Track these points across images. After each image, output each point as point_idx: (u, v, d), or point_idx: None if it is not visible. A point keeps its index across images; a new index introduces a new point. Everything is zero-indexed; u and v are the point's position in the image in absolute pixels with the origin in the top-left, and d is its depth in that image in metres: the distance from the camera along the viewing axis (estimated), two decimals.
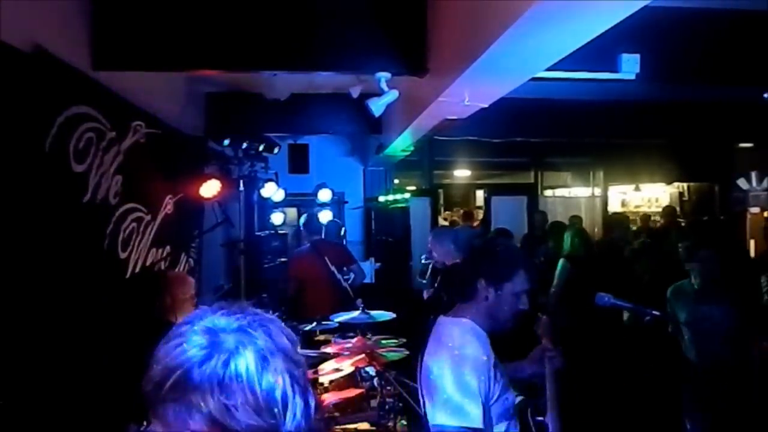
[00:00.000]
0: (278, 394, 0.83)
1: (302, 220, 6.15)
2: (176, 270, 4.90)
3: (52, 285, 2.81)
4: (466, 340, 1.98)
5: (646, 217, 9.79)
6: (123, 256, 3.80)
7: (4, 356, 2.44)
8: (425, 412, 1.98)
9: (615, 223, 5.97)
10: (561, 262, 5.44)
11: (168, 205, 4.51)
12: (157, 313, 3.57)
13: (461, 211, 9.83)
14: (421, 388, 2.03)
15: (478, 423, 1.87)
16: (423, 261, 5.18)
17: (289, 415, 0.83)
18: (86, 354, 3.03)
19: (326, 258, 5.54)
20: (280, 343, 0.87)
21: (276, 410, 0.82)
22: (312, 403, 0.87)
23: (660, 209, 9.19)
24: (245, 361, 0.82)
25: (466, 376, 1.89)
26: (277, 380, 0.83)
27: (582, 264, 5.19)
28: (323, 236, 5.94)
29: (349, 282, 5.65)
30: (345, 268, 5.66)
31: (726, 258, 3.85)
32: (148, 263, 4.19)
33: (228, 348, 0.82)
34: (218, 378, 0.80)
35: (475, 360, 1.93)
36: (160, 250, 4.42)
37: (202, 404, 0.79)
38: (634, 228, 8.31)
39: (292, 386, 0.85)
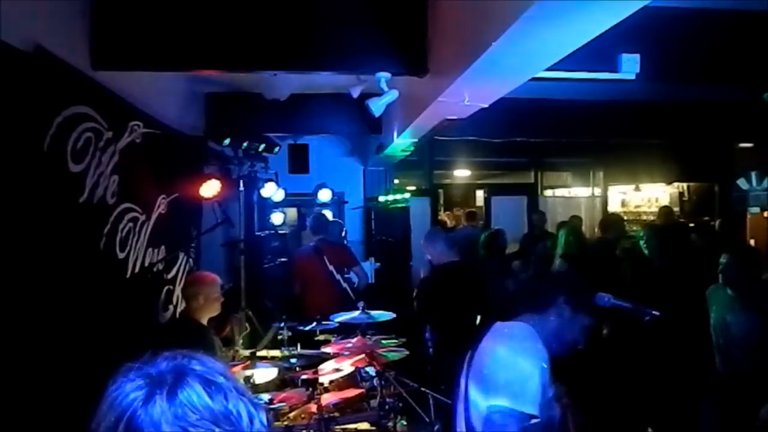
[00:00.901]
0: (231, 405, 0.85)
1: (309, 219, 6.14)
2: (175, 270, 4.90)
3: (50, 285, 2.81)
4: (532, 339, 2.00)
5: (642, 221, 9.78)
6: (121, 256, 3.80)
7: (3, 357, 2.44)
8: (468, 404, 1.97)
9: (609, 223, 5.96)
10: (559, 261, 5.45)
11: (161, 206, 4.50)
12: (187, 313, 3.61)
13: (465, 211, 9.83)
14: (467, 384, 2.02)
15: (536, 411, 1.85)
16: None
17: (245, 421, 0.85)
18: (85, 354, 3.02)
19: (326, 258, 5.53)
20: (215, 365, 0.90)
21: (232, 418, 0.84)
22: (264, 416, 0.89)
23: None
24: (189, 388, 0.83)
25: (529, 368, 1.90)
26: (226, 394, 0.85)
27: (579, 263, 5.19)
28: (327, 236, 5.92)
29: (354, 286, 5.64)
30: (347, 270, 5.65)
31: (752, 264, 3.74)
32: (146, 264, 4.20)
33: (168, 381, 0.84)
34: (167, 410, 0.81)
35: (537, 357, 1.94)
36: (156, 251, 4.41)
37: None
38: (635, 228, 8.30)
39: (241, 397, 0.87)
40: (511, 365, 1.91)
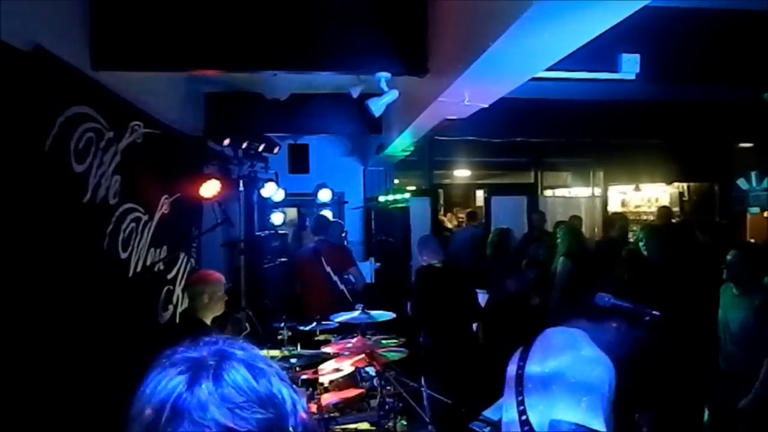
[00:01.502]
0: (275, 389, 0.85)
1: (310, 220, 6.14)
2: (175, 270, 4.91)
3: (53, 285, 2.81)
4: (594, 347, 1.94)
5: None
6: (124, 256, 3.80)
7: (7, 357, 2.44)
8: (523, 409, 1.91)
9: (614, 223, 5.97)
10: (561, 260, 5.44)
11: (164, 206, 4.51)
12: (190, 312, 3.61)
13: (466, 211, 9.84)
14: (527, 397, 1.95)
15: (604, 427, 1.78)
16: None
17: (289, 405, 0.85)
18: (88, 353, 3.03)
19: (323, 260, 5.54)
20: (256, 351, 0.89)
21: (277, 401, 0.84)
22: (303, 401, 0.89)
23: None
24: (234, 370, 0.83)
25: (600, 377, 1.84)
26: (269, 378, 0.85)
27: (583, 261, 5.19)
28: (327, 237, 5.93)
29: (352, 287, 5.64)
30: (345, 272, 5.65)
31: (756, 262, 3.72)
32: (148, 263, 4.20)
33: (212, 365, 0.83)
34: (214, 392, 0.80)
35: (608, 366, 1.88)
36: (159, 251, 4.42)
37: (206, 420, 0.79)
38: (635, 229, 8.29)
39: (283, 381, 0.87)
40: (585, 374, 1.83)
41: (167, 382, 0.82)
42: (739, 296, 3.71)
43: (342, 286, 5.60)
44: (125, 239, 3.79)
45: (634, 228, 7.97)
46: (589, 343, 1.95)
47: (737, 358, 3.69)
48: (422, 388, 3.43)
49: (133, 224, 3.91)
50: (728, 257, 3.71)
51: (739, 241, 4.46)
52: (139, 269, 4.02)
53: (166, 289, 4.69)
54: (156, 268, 4.40)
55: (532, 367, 1.98)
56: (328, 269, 5.54)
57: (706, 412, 3.94)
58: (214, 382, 0.81)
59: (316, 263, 5.55)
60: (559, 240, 5.69)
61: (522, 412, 1.91)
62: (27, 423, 2.51)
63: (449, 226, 10.80)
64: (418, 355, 4.37)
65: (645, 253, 4.76)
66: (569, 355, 1.91)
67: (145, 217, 4.11)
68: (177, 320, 4.55)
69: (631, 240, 6.30)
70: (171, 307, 4.76)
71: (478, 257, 6.32)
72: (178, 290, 4.84)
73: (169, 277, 4.77)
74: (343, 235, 6.89)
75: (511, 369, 2.05)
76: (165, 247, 4.53)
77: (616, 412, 1.90)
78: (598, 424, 1.76)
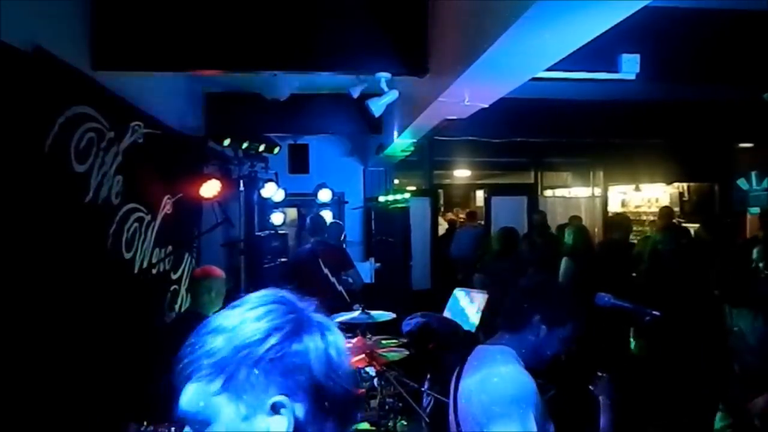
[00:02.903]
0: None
1: (307, 220, 6.14)
2: (181, 270, 4.91)
3: (57, 286, 2.82)
4: (516, 366, 1.93)
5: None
6: (128, 256, 3.81)
7: (11, 357, 2.44)
8: None
9: (616, 223, 5.95)
10: (564, 260, 5.43)
11: (167, 206, 4.52)
12: (195, 309, 3.61)
13: (466, 211, 9.83)
14: (457, 413, 1.97)
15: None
16: None
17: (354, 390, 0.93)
18: (93, 353, 3.03)
19: (320, 261, 5.54)
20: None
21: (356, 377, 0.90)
22: None
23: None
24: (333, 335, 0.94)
25: (522, 399, 1.82)
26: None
27: (585, 262, 5.18)
28: (325, 238, 5.93)
29: (350, 287, 5.64)
30: (342, 273, 5.65)
31: None
32: (153, 263, 4.21)
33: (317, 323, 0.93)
34: (320, 350, 0.88)
35: (529, 385, 1.87)
36: (163, 250, 4.43)
37: (305, 372, 0.84)
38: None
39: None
40: (510, 398, 1.81)
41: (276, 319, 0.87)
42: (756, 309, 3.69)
43: (340, 287, 5.60)
44: (129, 239, 3.80)
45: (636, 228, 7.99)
46: (510, 362, 1.92)
47: (755, 369, 3.66)
48: (422, 389, 3.42)
49: (136, 224, 3.91)
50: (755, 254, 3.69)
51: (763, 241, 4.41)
52: (144, 269, 4.03)
53: (171, 289, 4.70)
54: (161, 268, 4.40)
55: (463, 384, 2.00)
56: (326, 270, 5.54)
57: (719, 414, 3.93)
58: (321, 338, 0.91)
59: (313, 264, 5.55)
60: (566, 240, 5.69)
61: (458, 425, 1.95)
62: (32, 423, 2.51)
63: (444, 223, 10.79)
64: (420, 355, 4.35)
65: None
66: (481, 375, 1.92)
67: (148, 218, 4.11)
68: (180, 317, 4.55)
69: (633, 241, 6.31)
70: (176, 307, 4.76)
71: (481, 255, 6.29)
72: (183, 290, 4.84)
73: (175, 277, 4.78)
74: (342, 237, 6.89)
75: (450, 388, 2.06)
76: (169, 247, 4.54)
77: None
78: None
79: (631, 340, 4.70)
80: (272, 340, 0.83)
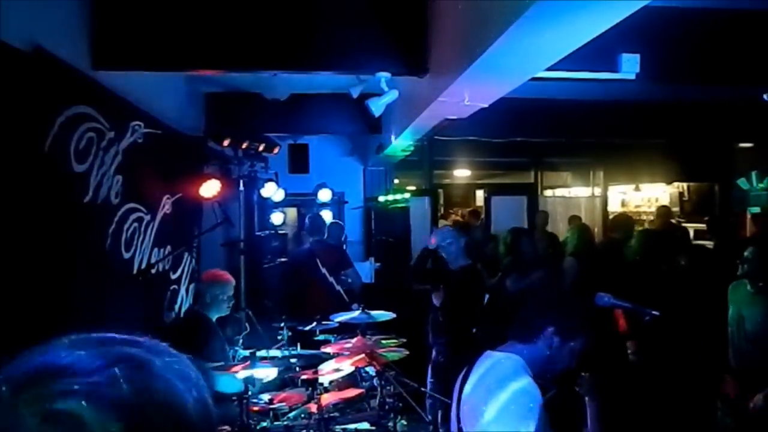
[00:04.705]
0: None
1: (307, 219, 6.14)
2: (180, 270, 4.91)
3: (58, 285, 2.82)
4: (522, 374, 1.92)
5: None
6: (127, 256, 3.80)
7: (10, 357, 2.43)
8: None
9: (618, 223, 5.94)
10: (568, 260, 5.42)
11: (166, 205, 4.52)
12: (199, 310, 3.63)
13: (468, 210, 9.80)
14: (462, 420, 1.97)
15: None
16: None
17: None
18: None
19: (319, 261, 5.54)
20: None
21: None
22: None
23: None
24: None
25: (526, 411, 1.82)
26: None
27: (588, 261, 5.17)
28: (325, 238, 5.92)
29: (349, 286, 5.64)
30: (341, 273, 5.65)
31: None
32: (152, 263, 4.21)
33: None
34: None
35: (534, 395, 1.86)
36: (162, 251, 4.43)
37: None
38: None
39: None
40: (513, 411, 1.82)
41: None
42: (755, 294, 3.69)
43: (338, 287, 5.60)
44: (128, 239, 3.80)
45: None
46: (518, 371, 1.92)
47: (751, 356, 3.68)
48: (423, 389, 3.42)
49: (135, 224, 3.91)
50: (746, 254, 3.69)
51: (756, 239, 4.43)
52: (143, 269, 4.03)
53: (171, 288, 4.70)
54: (160, 268, 4.40)
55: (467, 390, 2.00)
56: (324, 270, 5.54)
57: (719, 411, 3.94)
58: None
59: (311, 264, 5.55)
60: (568, 239, 5.68)
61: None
62: None
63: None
64: (422, 355, 4.36)
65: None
66: (498, 388, 1.89)
67: (147, 217, 4.11)
68: (182, 317, 4.55)
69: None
70: (176, 307, 4.76)
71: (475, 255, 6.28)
72: (183, 290, 4.84)
73: (174, 277, 4.78)
74: (343, 237, 6.89)
75: (455, 391, 2.06)
76: (168, 247, 4.54)
77: None
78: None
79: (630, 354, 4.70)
80: None
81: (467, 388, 2.00)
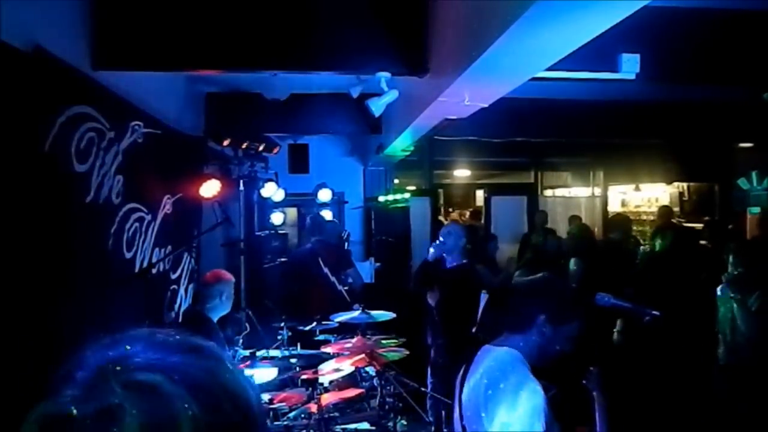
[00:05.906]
0: None
1: (308, 219, 6.14)
2: (180, 270, 4.91)
3: (59, 285, 2.82)
4: (522, 369, 1.91)
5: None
6: (128, 255, 3.81)
7: (10, 358, 2.44)
8: None
9: (616, 223, 5.94)
10: (573, 261, 5.43)
11: (166, 205, 4.52)
12: (200, 310, 3.62)
13: (469, 211, 9.81)
14: (465, 419, 1.97)
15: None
16: None
17: None
18: None
19: (320, 260, 5.54)
20: None
21: None
22: None
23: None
24: None
25: (530, 407, 1.80)
26: None
27: (591, 261, 5.17)
28: (324, 238, 5.93)
29: (350, 287, 5.64)
30: (342, 272, 5.65)
31: (758, 253, 3.77)
32: (153, 263, 4.21)
33: None
34: None
35: (539, 393, 1.84)
36: (163, 251, 4.43)
37: None
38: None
39: None
40: (518, 408, 1.80)
41: None
42: (748, 295, 3.72)
43: (340, 287, 5.60)
44: (129, 239, 3.80)
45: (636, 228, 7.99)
46: (517, 366, 1.92)
47: (744, 352, 3.71)
48: (424, 389, 3.43)
49: (136, 224, 3.91)
50: (731, 255, 3.73)
51: (736, 242, 4.48)
52: (144, 269, 4.03)
53: (171, 288, 4.70)
54: (160, 268, 4.40)
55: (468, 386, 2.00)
56: (326, 270, 5.54)
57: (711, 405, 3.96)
58: None
59: (313, 264, 5.55)
60: (569, 240, 5.68)
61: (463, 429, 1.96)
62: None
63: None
64: (422, 354, 4.35)
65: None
66: (498, 384, 1.89)
67: (148, 217, 4.12)
68: (182, 317, 4.54)
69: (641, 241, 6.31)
70: (176, 306, 4.77)
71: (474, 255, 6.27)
72: (182, 290, 4.85)
73: (174, 277, 4.78)
74: (345, 237, 6.88)
75: (456, 390, 2.07)
76: (169, 247, 4.54)
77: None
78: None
79: (615, 332, 4.73)
80: None
81: (468, 387, 2.00)
